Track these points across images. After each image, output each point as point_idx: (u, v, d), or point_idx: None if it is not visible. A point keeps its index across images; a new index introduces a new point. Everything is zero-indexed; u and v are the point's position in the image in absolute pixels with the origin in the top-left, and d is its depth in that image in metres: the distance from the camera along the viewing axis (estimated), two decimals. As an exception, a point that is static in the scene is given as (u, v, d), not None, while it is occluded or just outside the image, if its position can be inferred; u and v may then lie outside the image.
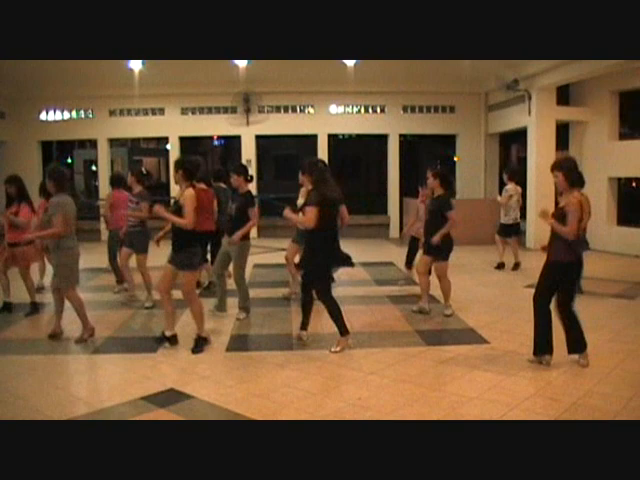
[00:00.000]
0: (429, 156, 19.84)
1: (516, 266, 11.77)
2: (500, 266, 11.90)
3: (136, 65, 14.45)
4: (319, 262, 6.62)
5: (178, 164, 6.69)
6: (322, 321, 7.36)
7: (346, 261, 6.81)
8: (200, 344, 6.64)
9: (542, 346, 6.01)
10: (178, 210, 6.46)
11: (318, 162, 7.09)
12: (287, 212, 6.83)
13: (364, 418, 4.74)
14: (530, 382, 5.58)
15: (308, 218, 6.48)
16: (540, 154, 14.76)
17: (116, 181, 10.02)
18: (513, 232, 11.95)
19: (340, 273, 11.05)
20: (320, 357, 6.39)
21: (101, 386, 5.67)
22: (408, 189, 17.64)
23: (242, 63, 14.32)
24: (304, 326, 6.87)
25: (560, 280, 5.89)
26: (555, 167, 5.94)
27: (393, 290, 9.83)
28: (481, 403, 5.04)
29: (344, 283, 10.31)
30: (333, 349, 6.54)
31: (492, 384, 5.50)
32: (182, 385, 5.53)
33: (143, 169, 9.24)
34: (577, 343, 5.97)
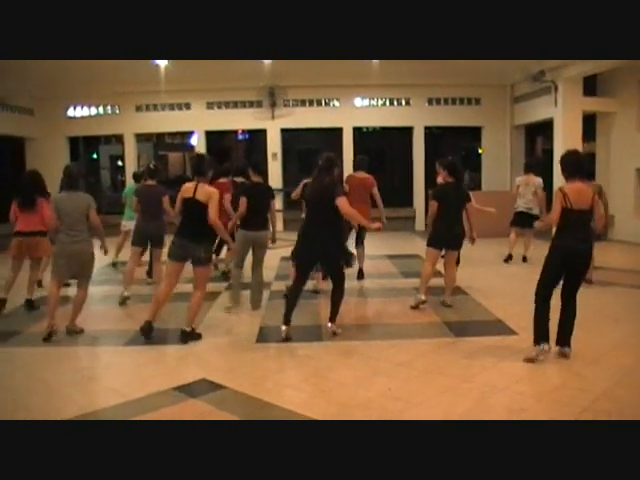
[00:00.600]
0: (455, 148, 19.73)
1: (524, 259, 11.71)
2: (508, 258, 11.76)
3: (162, 61, 14.55)
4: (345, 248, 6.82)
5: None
6: (350, 313, 7.42)
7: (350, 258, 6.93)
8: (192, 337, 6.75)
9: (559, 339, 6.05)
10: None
11: (330, 155, 6.97)
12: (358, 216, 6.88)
13: (394, 408, 4.78)
14: (558, 373, 5.59)
15: (349, 207, 6.56)
16: (566, 146, 14.49)
17: (150, 174, 10.16)
18: (525, 222, 11.64)
19: (368, 266, 11.16)
20: (349, 348, 6.44)
21: (133, 377, 5.75)
22: (433, 182, 17.62)
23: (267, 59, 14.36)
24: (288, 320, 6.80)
25: (545, 264, 6.00)
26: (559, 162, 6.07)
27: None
28: (510, 394, 5.06)
29: (371, 276, 10.37)
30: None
31: (521, 375, 5.52)
32: (213, 375, 5.60)
33: (152, 164, 9.30)
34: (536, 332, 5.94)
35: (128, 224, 11.02)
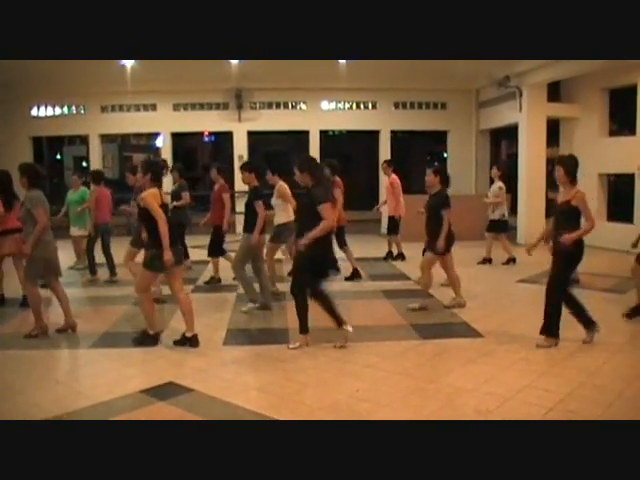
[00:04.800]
0: (420, 152, 19.90)
1: (510, 261, 11.85)
2: (485, 261, 11.93)
3: (128, 62, 14.43)
4: (313, 255, 6.43)
5: (145, 167, 6.70)
6: (318, 315, 7.42)
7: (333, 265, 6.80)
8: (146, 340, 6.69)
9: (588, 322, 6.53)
10: (144, 212, 6.49)
11: (314, 159, 6.98)
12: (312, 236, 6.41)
13: (362, 410, 4.80)
14: (524, 374, 5.63)
15: (329, 217, 6.33)
16: (531, 150, 14.89)
17: (98, 178, 10.55)
18: (502, 229, 12.00)
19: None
20: (315, 351, 6.45)
21: (100, 380, 5.68)
22: (402, 186, 17.74)
23: (234, 60, 14.32)
24: (340, 321, 6.59)
25: (562, 265, 6.38)
26: (558, 162, 6.49)
27: (386, 285, 9.91)
28: (478, 395, 5.11)
29: (339, 278, 10.37)
30: (292, 345, 6.54)
31: (488, 377, 5.57)
32: (181, 378, 5.57)
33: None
34: (552, 327, 6.42)
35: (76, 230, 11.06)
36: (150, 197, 6.40)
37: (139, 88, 16.45)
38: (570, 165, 6.36)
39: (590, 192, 14.48)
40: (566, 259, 6.33)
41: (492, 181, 12.41)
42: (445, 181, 8.20)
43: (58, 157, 22.57)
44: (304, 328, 6.61)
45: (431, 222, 8.08)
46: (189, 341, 6.60)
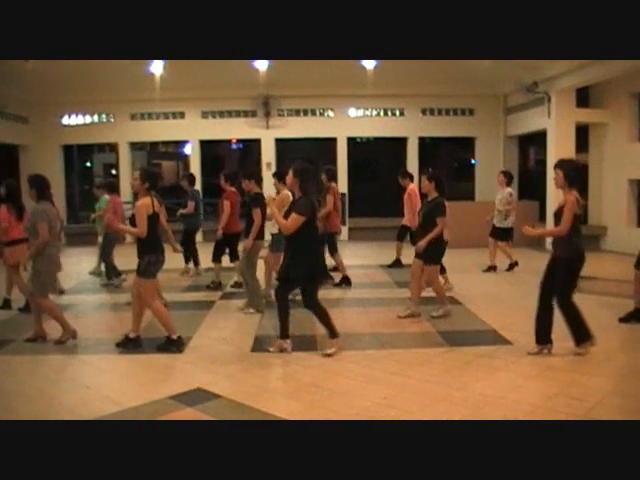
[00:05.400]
0: (449, 159, 19.81)
1: (512, 266, 11.81)
2: (490, 269, 11.83)
3: (157, 69, 14.58)
4: (304, 271, 6.49)
5: (144, 176, 6.76)
6: (345, 322, 7.43)
7: (324, 273, 6.85)
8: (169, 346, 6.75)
9: (544, 337, 6.41)
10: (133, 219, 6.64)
11: (309, 166, 6.83)
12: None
13: (389, 417, 4.80)
14: (553, 382, 5.59)
15: (291, 225, 6.39)
16: (559, 156, 14.61)
17: (112, 187, 11.03)
18: (508, 236, 11.84)
19: (362, 275, 11.21)
20: (343, 358, 6.45)
21: (129, 385, 5.77)
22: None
23: (262, 67, 14.38)
24: (285, 333, 6.73)
25: (562, 275, 6.24)
26: (557, 165, 6.37)
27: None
28: (506, 403, 5.08)
29: (365, 285, 10.42)
30: (329, 351, 6.53)
31: (516, 384, 5.54)
32: (209, 385, 5.60)
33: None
34: (579, 335, 6.30)
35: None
36: (142, 208, 6.53)
37: (167, 96, 16.59)
38: (569, 169, 6.25)
39: (620, 197, 14.43)
40: (565, 267, 6.21)
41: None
42: (441, 188, 8.09)
43: (88, 164, 22.79)
44: (335, 332, 6.65)
45: (425, 229, 7.97)
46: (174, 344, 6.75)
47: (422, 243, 7.87)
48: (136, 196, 7.08)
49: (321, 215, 9.11)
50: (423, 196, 8.43)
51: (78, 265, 12.54)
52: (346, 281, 10.41)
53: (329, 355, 6.48)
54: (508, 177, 12.08)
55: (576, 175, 6.31)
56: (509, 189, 11.84)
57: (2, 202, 8.52)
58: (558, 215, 6.25)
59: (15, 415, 4.97)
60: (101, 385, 5.83)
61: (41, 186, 7.10)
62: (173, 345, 6.70)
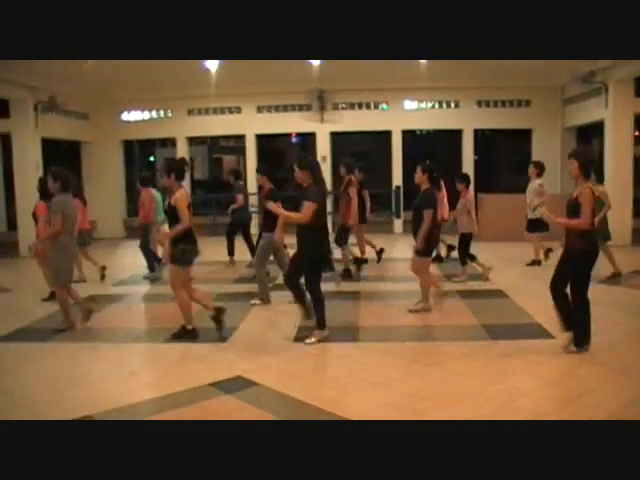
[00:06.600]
0: (505, 151, 19.57)
1: (535, 263, 11.56)
2: (534, 263, 11.62)
3: (212, 65, 14.83)
4: (312, 255, 6.69)
5: (167, 168, 6.94)
6: (384, 314, 7.49)
7: (327, 262, 6.93)
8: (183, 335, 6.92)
9: (569, 325, 6.17)
10: (172, 211, 6.75)
11: (315, 159, 7.06)
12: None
13: (420, 409, 4.84)
14: (590, 378, 5.54)
15: (307, 213, 6.51)
16: (617, 148, 14.42)
17: (146, 181, 11.34)
18: (544, 227, 11.48)
19: (399, 268, 11.22)
20: (381, 349, 6.52)
21: (172, 373, 5.96)
22: (483, 184, 17.55)
23: (315, 61, 14.50)
24: (322, 323, 6.82)
25: (576, 269, 6.04)
26: (571, 155, 6.09)
27: (462, 285, 9.84)
28: (538, 397, 5.09)
29: (412, 279, 10.39)
30: (308, 340, 6.69)
31: (553, 379, 5.54)
32: (248, 373, 5.75)
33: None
34: (581, 334, 6.09)
35: None
36: (183, 200, 6.73)
37: (223, 91, 16.92)
38: (585, 159, 6.01)
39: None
40: (578, 258, 5.98)
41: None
42: (433, 179, 8.14)
43: (151, 159, 23.30)
44: (323, 324, 6.79)
45: (416, 222, 7.91)
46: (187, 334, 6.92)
47: (419, 244, 7.81)
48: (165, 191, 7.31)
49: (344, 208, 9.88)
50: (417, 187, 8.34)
51: (134, 258, 12.85)
52: (347, 274, 10.39)
53: (309, 344, 6.64)
54: (539, 168, 11.75)
55: (591, 166, 6.05)
56: (539, 180, 11.57)
57: (41, 197, 8.85)
58: (571, 207, 6.01)
59: (58, 396, 5.26)
60: (145, 372, 6.05)
61: (65, 179, 7.33)
62: (187, 335, 6.90)
